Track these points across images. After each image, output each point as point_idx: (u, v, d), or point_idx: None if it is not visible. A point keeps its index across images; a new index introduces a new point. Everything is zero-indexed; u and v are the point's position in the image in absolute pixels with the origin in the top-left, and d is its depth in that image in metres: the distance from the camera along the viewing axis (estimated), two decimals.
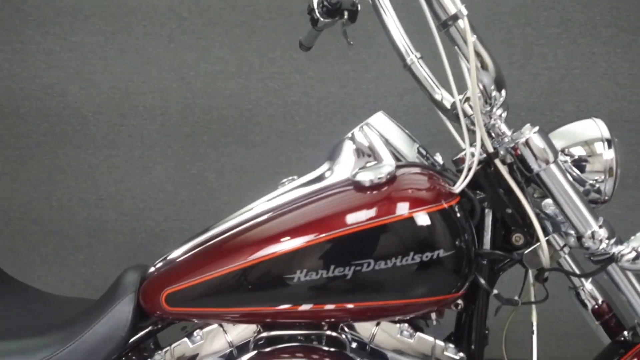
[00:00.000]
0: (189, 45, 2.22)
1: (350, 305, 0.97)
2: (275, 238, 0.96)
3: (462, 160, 1.00)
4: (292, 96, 2.20)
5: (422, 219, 0.94)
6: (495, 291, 1.01)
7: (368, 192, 0.97)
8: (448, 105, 1.04)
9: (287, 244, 0.95)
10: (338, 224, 0.95)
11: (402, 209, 0.95)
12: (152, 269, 1.04)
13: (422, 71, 1.07)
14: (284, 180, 1.08)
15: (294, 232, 0.96)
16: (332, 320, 1.02)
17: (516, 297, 1.03)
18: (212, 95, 2.23)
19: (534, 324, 1.03)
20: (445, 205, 0.96)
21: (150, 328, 1.06)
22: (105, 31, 2.22)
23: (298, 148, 2.21)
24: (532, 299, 1.04)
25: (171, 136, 2.27)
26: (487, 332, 1.08)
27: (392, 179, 0.98)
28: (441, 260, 0.94)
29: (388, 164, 1.00)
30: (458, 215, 0.97)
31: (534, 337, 1.03)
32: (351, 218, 0.95)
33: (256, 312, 0.98)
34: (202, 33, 2.19)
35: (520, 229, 0.99)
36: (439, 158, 1.12)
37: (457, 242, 0.95)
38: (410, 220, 0.94)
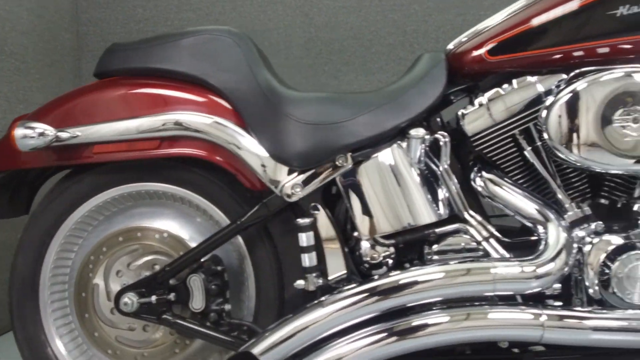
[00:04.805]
0: None
1: None
2: None
3: None
4: (411, 25, 2.34)
5: None
6: None
7: None
8: None
9: None
10: None
11: None
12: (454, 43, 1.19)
13: None
14: None
15: None
16: None
17: None
18: (334, 28, 2.39)
19: None
20: None
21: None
22: None
23: None
24: None
25: (294, 68, 2.40)
26: None
27: None
28: None
29: None
30: None
31: None
32: None
33: (572, 50, 1.05)
34: None
35: None
36: None
37: None
38: None
